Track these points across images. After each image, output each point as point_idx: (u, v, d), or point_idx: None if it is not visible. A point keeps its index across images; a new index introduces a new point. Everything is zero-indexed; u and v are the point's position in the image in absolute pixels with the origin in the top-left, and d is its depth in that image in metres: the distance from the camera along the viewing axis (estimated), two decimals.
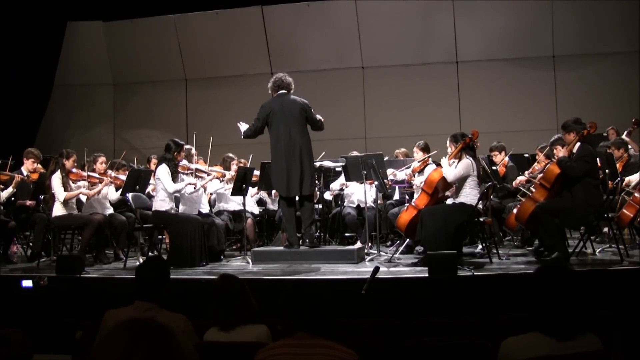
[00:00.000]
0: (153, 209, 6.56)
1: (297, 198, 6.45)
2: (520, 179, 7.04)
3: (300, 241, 6.41)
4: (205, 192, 7.27)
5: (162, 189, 6.48)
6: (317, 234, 7.07)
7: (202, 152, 7.67)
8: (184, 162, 6.74)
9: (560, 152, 5.79)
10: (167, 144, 6.67)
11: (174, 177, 6.54)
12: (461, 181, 6.10)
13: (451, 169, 6.13)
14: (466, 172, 6.05)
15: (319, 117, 6.46)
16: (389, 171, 7.17)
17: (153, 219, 6.57)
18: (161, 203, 6.48)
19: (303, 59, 11.25)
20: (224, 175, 7.38)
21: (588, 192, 5.65)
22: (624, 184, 6.63)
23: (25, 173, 7.20)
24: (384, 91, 11.33)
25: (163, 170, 6.47)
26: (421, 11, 11.15)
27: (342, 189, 7.74)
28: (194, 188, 6.70)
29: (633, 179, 6.73)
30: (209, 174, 6.92)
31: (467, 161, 6.09)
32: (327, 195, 7.97)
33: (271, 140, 6.41)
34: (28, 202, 7.21)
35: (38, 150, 7.53)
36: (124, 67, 12.29)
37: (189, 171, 6.75)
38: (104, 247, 6.98)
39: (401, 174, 7.21)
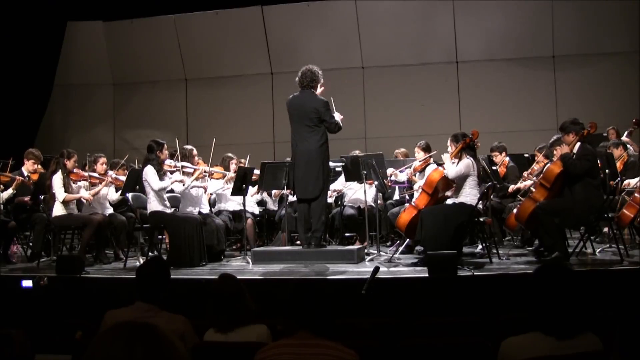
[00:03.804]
0: (148, 210, 6.55)
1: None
2: (523, 184, 7.03)
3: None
4: (205, 192, 7.26)
5: (151, 189, 6.48)
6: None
7: (201, 152, 7.67)
8: (169, 161, 6.74)
9: (564, 149, 5.81)
10: (148, 145, 6.66)
11: (161, 177, 6.53)
12: (461, 181, 6.11)
13: (452, 166, 6.15)
14: (466, 171, 6.07)
15: (336, 118, 6.24)
16: (390, 170, 7.17)
17: (151, 219, 6.56)
18: (154, 204, 6.48)
19: (303, 59, 11.12)
20: (224, 176, 7.37)
21: (588, 192, 5.66)
22: (623, 184, 6.63)
23: (25, 173, 7.21)
24: (384, 91, 11.33)
25: (149, 171, 6.47)
26: (421, 11, 11.14)
27: (340, 191, 7.74)
28: (183, 185, 6.68)
29: (632, 182, 6.73)
30: (197, 170, 6.85)
31: (467, 161, 6.11)
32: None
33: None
34: (26, 199, 7.20)
35: (39, 151, 7.55)
36: (124, 67, 12.29)
37: (175, 169, 6.74)
38: (104, 247, 6.98)
39: (402, 175, 7.21)
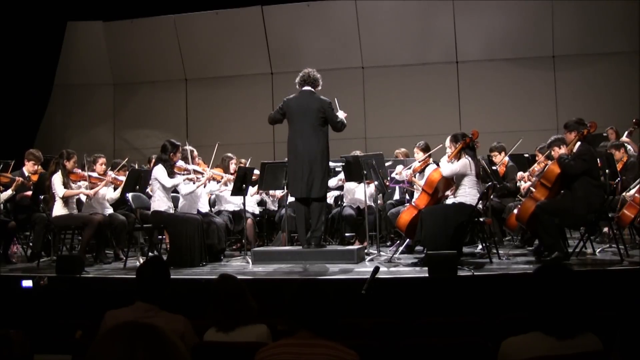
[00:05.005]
0: (151, 209, 6.56)
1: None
2: (524, 185, 7.01)
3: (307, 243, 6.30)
4: (204, 187, 7.25)
5: (159, 188, 6.48)
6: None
7: (201, 152, 7.68)
8: (180, 163, 6.74)
9: (561, 151, 5.81)
10: (163, 145, 6.67)
11: (171, 178, 6.54)
12: (458, 180, 6.11)
13: (448, 164, 6.15)
14: (463, 170, 6.06)
15: (340, 117, 6.25)
16: (399, 168, 7.18)
17: (152, 219, 6.57)
18: (159, 203, 6.48)
19: (303, 59, 11.23)
20: (222, 178, 7.36)
21: (587, 192, 5.66)
22: (626, 194, 6.57)
23: (26, 174, 7.21)
24: (384, 91, 11.33)
25: (159, 170, 6.48)
26: (421, 11, 11.14)
27: (340, 187, 7.73)
28: (193, 183, 6.69)
29: (632, 192, 6.67)
30: (205, 174, 6.89)
31: (465, 160, 6.10)
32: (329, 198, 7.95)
33: (287, 138, 6.34)
34: (27, 193, 7.16)
35: (39, 151, 7.55)
36: (124, 67, 12.29)
37: (186, 172, 6.75)
38: (104, 247, 6.98)
39: (404, 172, 7.21)
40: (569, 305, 2.30)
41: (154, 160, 7.48)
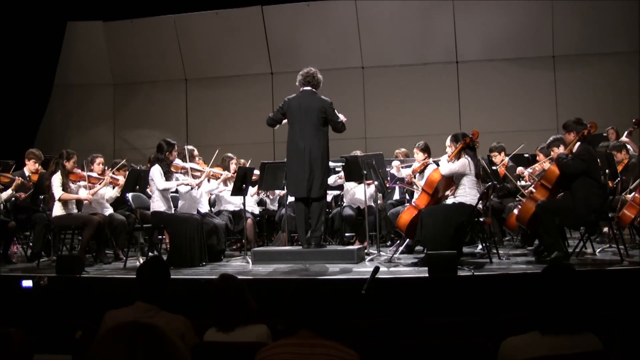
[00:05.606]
0: (151, 209, 6.56)
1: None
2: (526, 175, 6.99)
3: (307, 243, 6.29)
4: (198, 188, 7.24)
5: (156, 189, 6.48)
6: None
7: (201, 152, 7.69)
8: (177, 162, 6.73)
9: (560, 150, 5.82)
10: (158, 144, 6.65)
11: (168, 177, 6.52)
12: (458, 180, 6.11)
13: (448, 164, 6.15)
14: (461, 170, 6.06)
15: (341, 118, 6.27)
16: (395, 163, 7.18)
17: (152, 219, 6.56)
18: (158, 203, 6.47)
19: (303, 59, 11.20)
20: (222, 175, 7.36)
21: (587, 192, 5.66)
22: (627, 196, 6.56)
23: (27, 173, 7.21)
24: (384, 91, 11.33)
25: (155, 171, 6.47)
26: (421, 11, 11.15)
27: (339, 186, 7.72)
28: (191, 187, 6.68)
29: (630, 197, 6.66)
30: (203, 172, 6.88)
31: (464, 160, 6.10)
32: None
33: (287, 138, 6.33)
34: (20, 193, 7.08)
35: (39, 151, 7.55)
36: (124, 67, 12.29)
37: (183, 170, 6.74)
38: (104, 247, 6.98)
39: (404, 171, 7.22)
40: (574, 306, 2.31)
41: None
